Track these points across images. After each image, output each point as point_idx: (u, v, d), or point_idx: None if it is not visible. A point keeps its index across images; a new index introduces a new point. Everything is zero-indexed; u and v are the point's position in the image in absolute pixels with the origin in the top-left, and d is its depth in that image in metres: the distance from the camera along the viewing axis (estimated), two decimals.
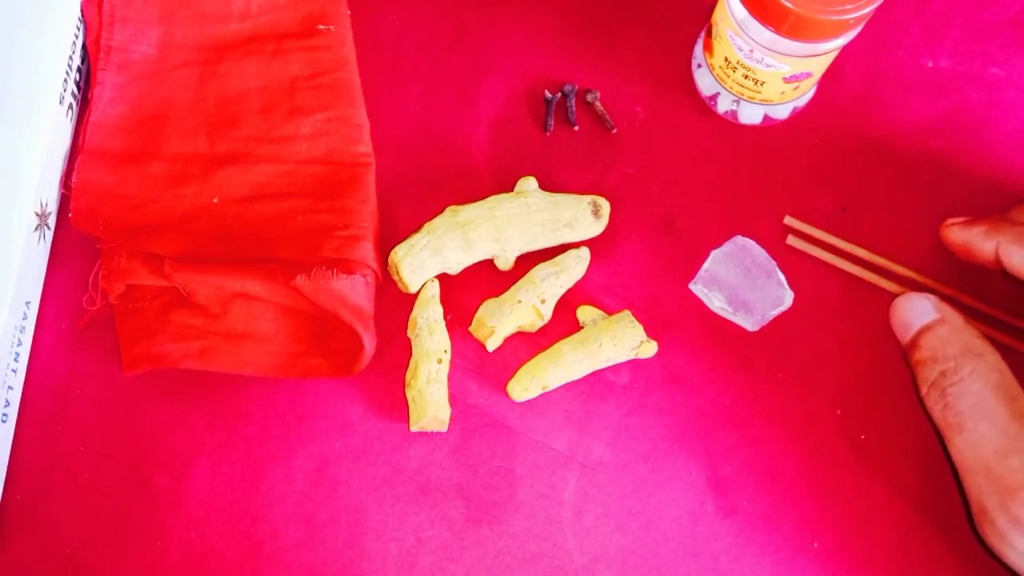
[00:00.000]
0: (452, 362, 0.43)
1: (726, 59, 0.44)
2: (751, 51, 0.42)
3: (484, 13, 0.49)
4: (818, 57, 0.41)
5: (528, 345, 0.44)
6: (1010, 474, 0.36)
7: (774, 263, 0.44)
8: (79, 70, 0.46)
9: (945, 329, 0.39)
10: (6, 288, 0.41)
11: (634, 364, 0.44)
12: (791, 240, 0.45)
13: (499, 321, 0.43)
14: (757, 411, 0.43)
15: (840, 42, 0.40)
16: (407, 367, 0.43)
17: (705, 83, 0.47)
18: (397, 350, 0.44)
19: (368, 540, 0.42)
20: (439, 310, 0.43)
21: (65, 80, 0.44)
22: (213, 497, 0.42)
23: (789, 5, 0.38)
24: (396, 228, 0.45)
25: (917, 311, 0.40)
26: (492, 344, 0.43)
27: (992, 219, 0.42)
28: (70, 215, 0.43)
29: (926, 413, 0.39)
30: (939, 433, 0.39)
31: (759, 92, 0.44)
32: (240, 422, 0.43)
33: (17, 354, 0.42)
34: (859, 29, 0.40)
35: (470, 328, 0.44)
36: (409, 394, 0.42)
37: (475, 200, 0.44)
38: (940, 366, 0.39)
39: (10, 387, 0.42)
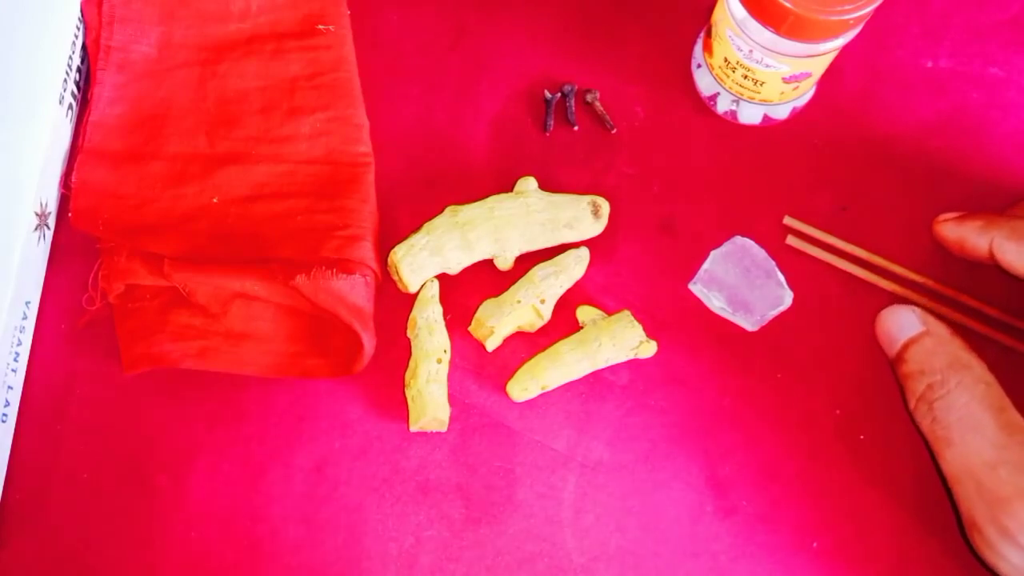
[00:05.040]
0: (452, 362, 0.43)
1: (726, 59, 0.44)
2: (751, 51, 0.42)
3: (484, 13, 0.49)
4: (818, 57, 0.41)
5: (528, 345, 0.44)
6: (999, 486, 0.36)
7: (774, 263, 0.44)
8: (79, 70, 0.46)
9: (930, 341, 0.39)
10: (6, 288, 0.41)
11: (634, 364, 0.44)
12: (791, 240, 0.45)
13: (498, 321, 0.43)
14: (757, 411, 0.43)
15: (840, 42, 0.40)
16: (407, 367, 0.43)
17: (705, 83, 0.47)
18: (397, 350, 0.44)
19: (368, 540, 0.42)
20: (439, 310, 0.43)
21: (65, 80, 0.44)
22: (213, 497, 0.42)
23: (789, 5, 0.38)
24: (396, 228, 0.45)
25: (902, 324, 0.40)
26: (492, 344, 0.43)
27: (986, 214, 0.42)
28: (70, 215, 0.43)
29: (915, 426, 0.39)
30: (929, 446, 0.39)
31: (759, 92, 0.44)
32: (240, 422, 0.43)
33: (17, 354, 0.42)
34: (859, 29, 0.40)
35: (470, 328, 0.44)
36: (409, 394, 0.42)
37: (475, 200, 0.44)
38: (927, 379, 0.39)
39: (10, 387, 0.42)
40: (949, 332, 0.39)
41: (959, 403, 0.37)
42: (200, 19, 0.47)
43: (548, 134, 0.47)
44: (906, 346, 0.40)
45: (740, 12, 0.40)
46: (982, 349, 0.39)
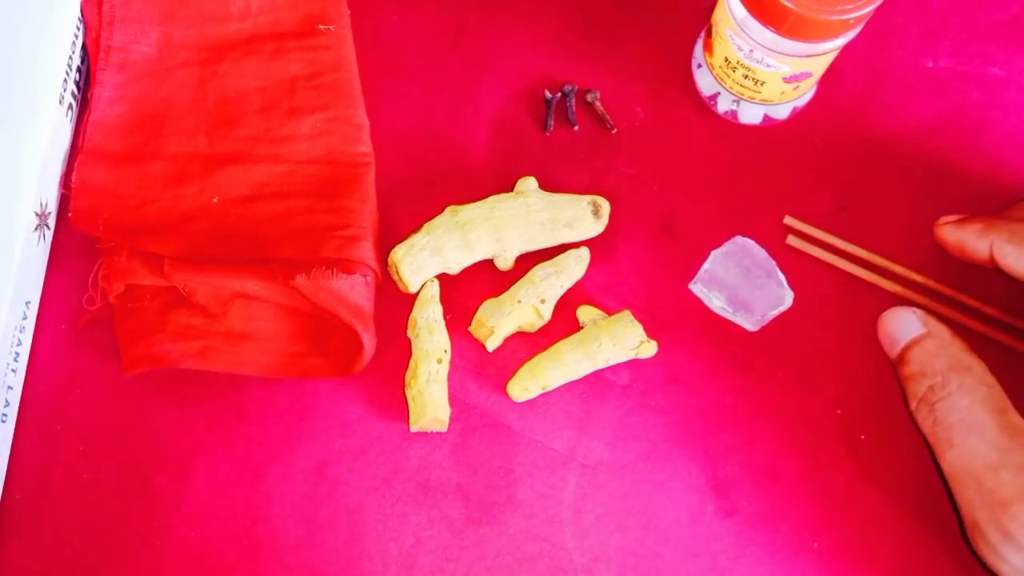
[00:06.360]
0: (452, 362, 0.43)
1: (726, 59, 0.44)
2: (751, 51, 0.42)
3: (484, 13, 0.49)
4: (818, 57, 0.41)
5: (528, 345, 0.44)
6: (1001, 488, 0.36)
7: (774, 263, 0.44)
8: (79, 70, 0.46)
9: (932, 343, 0.39)
10: (6, 288, 0.41)
11: (634, 364, 0.44)
12: (791, 240, 0.45)
13: (499, 321, 0.43)
14: (757, 411, 0.43)
15: (840, 42, 0.40)
16: (407, 367, 0.43)
17: (705, 83, 0.47)
18: (397, 350, 0.44)
19: (368, 540, 0.42)
20: (439, 310, 0.43)
21: (65, 80, 0.44)
22: (213, 497, 0.42)
23: (789, 5, 0.38)
24: (396, 228, 0.45)
25: (903, 325, 0.40)
26: (492, 344, 0.43)
27: (986, 217, 0.42)
28: (70, 215, 0.43)
29: (916, 427, 0.39)
30: (930, 447, 0.39)
31: (759, 92, 0.44)
32: (240, 422, 0.43)
33: (17, 354, 0.42)
34: (859, 29, 0.40)
35: (470, 328, 0.44)
36: (409, 394, 0.42)
37: (475, 200, 0.44)
38: (928, 381, 0.39)
39: (10, 387, 0.42)
40: (950, 334, 0.39)
41: (960, 405, 0.37)
42: (200, 19, 0.47)
43: (548, 134, 0.47)
44: (907, 347, 0.40)
45: (740, 12, 0.40)
46: (982, 349, 0.39)
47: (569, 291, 0.44)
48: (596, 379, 0.44)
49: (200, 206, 0.44)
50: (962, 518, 0.38)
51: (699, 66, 0.47)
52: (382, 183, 0.46)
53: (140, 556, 0.41)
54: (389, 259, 0.43)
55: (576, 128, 0.47)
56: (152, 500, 0.42)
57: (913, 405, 0.39)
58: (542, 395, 0.43)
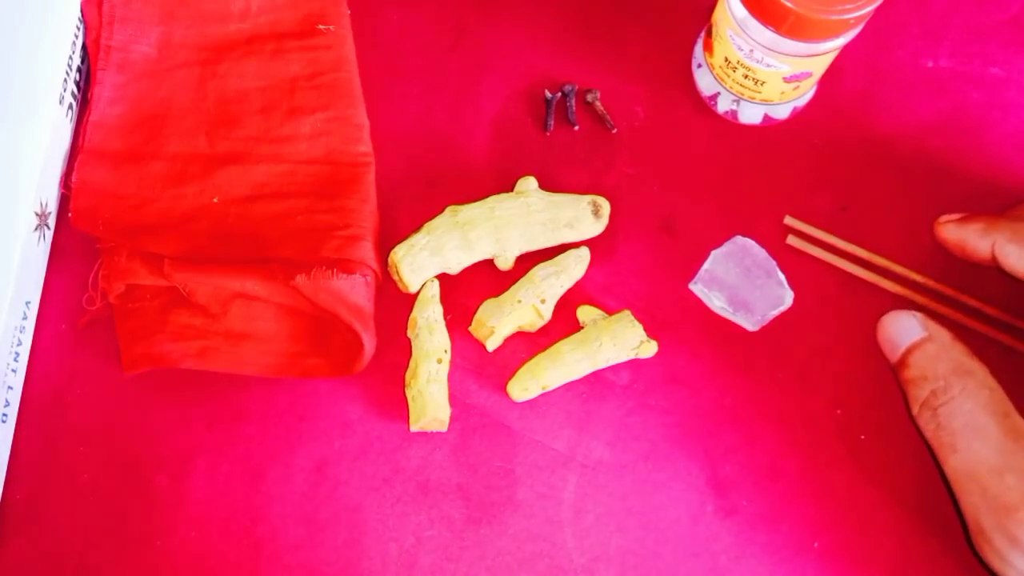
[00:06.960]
0: (452, 362, 0.43)
1: (726, 59, 0.44)
2: (751, 51, 0.42)
3: (484, 13, 0.49)
4: (818, 57, 0.41)
5: (528, 345, 0.44)
6: (1006, 493, 0.36)
7: (774, 263, 0.44)
8: (79, 70, 0.46)
9: (933, 347, 0.39)
10: (6, 288, 0.41)
11: (634, 364, 0.44)
12: (791, 240, 0.45)
13: (499, 321, 0.43)
14: (757, 411, 0.43)
15: (840, 42, 0.40)
16: (407, 367, 0.43)
17: (705, 83, 0.47)
18: (397, 350, 0.44)
19: (368, 540, 0.42)
20: (439, 310, 0.43)
21: (65, 80, 0.44)
22: (213, 497, 0.42)
23: (789, 5, 0.38)
24: (396, 228, 0.45)
25: (904, 329, 0.40)
26: (492, 344, 0.43)
27: (988, 216, 0.42)
28: (70, 215, 0.43)
29: (918, 431, 0.39)
30: (932, 452, 0.38)
31: (759, 92, 0.44)
32: (240, 422, 0.43)
33: (17, 354, 0.42)
34: (859, 29, 0.40)
35: (470, 328, 0.44)
36: (409, 394, 0.42)
37: (475, 200, 0.44)
38: (930, 385, 0.38)
39: (10, 387, 0.42)
40: (951, 337, 0.39)
41: (963, 409, 0.37)
42: (200, 19, 0.47)
43: (548, 134, 0.47)
44: (908, 352, 0.40)
45: (741, 11, 0.40)
46: (983, 350, 0.39)
47: (569, 291, 0.44)
48: (596, 379, 0.44)
49: (200, 206, 0.44)
50: (966, 523, 0.37)
51: (699, 66, 0.47)
52: (382, 183, 0.46)
53: (140, 556, 0.41)
54: (389, 259, 0.43)
55: (576, 128, 0.47)
56: (152, 500, 0.42)
57: (915, 409, 0.39)
58: (542, 395, 0.43)
